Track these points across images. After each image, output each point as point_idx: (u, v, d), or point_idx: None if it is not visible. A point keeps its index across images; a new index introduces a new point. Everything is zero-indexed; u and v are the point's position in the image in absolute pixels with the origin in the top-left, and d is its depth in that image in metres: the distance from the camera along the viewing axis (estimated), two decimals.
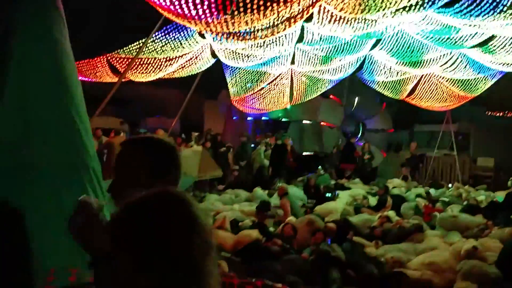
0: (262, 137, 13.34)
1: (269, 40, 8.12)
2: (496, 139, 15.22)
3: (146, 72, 9.34)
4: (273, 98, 11.60)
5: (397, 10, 6.89)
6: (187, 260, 1.03)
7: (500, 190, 10.81)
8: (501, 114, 16.86)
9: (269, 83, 11.16)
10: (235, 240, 6.20)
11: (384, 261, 5.89)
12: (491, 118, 16.49)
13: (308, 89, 11.92)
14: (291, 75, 11.35)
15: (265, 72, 10.81)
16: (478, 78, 11.58)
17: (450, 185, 12.03)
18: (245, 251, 5.82)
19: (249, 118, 16.02)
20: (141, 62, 9.19)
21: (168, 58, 9.08)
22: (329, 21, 7.53)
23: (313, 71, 10.93)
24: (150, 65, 9.18)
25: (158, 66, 9.19)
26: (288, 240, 6.49)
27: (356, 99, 16.53)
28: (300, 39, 8.73)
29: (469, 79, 11.80)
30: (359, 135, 17.07)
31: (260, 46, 8.41)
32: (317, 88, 12.26)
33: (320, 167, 12.69)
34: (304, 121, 16.38)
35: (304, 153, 15.53)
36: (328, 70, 11.04)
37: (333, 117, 16.63)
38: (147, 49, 8.58)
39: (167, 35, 8.33)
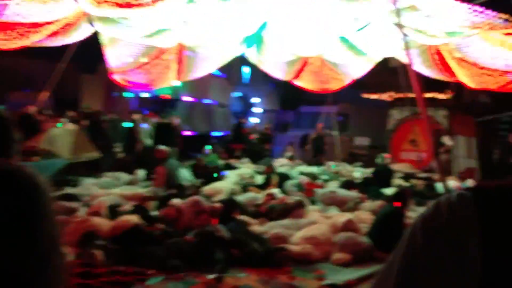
0: (144, 116, 12.57)
1: (153, 9, 7.58)
2: (370, 120, 16.53)
3: (8, 39, 8.13)
4: (159, 73, 10.96)
5: None
6: (31, 249, 0.87)
7: (373, 167, 11.75)
8: (375, 96, 18.34)
9: (153, 58, 10.52)
10: (112, 226, 5.75)
11: (268, 238, 5.97)
12: (367, 100, 17.86)
13: (196, 66, 11.53)
14: (179, 50, 10.83)
15: (150, 46, 10.16)
16: (357, 61, 12.29)
17: (330, 163, 12.74)
18: (124, 237, 5.45)
19: (132, 95, 15.10)
20: (3, 27, 7.99)
21: (35, 24, 8.00)
22: None
23: (203, 47, 10.58)
24: (14, 30, 8.01)
25: (24, 32, 8.05)
26: (171, 223, 6.25)
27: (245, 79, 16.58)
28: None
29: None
30: (248, 115, 17.23)
31: (142, 16, 7.82)
32: (207, 65, 11.95)
33: (209, 147, 12.53)
34: (194, 100, 15.97)
35: (190, 133, 15.18)
36: (218, 47, 10.81)
37: (223, 96, 16.51)
38: (9, 11, 7.46)
39: None
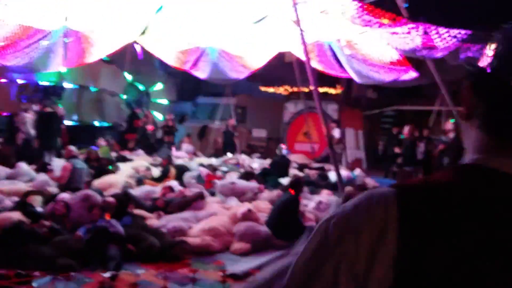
0: (24, 104, 11.35)
1: None
2: (267, 112, 16.95)
3: None
4: (41, 58, 9.92)
5: None
6: None
7: (271, 158, 12.08)
8: (272, 89, 18.87)
9: (35, 41, 9.48)
10: None
11: (166, 232, 5.78)
12: (264, 93, 18.30)
13: (85, 51, 10.69)
14: (65, 33, 9.93)
15: (29, 27, 9.13)
16: (255, 54, 12.47)
17: (229, 154, 12.80)
18: (4, 236, 4.87)
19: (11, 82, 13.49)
20: None
21: None
22: None
23: (91, 31, 9.83)
24: None
25: None
26: (60, 219, 5.73)
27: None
28: None
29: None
30: (143, 105, 16.51)
31: None
32: (97, 51, 11.15)
33: (101, 138, 11.77)
34: (83, 87, 14.76)
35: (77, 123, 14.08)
36: (109, 33, 10.14)
37: (114, 84, 15.49)
38: None
39: None
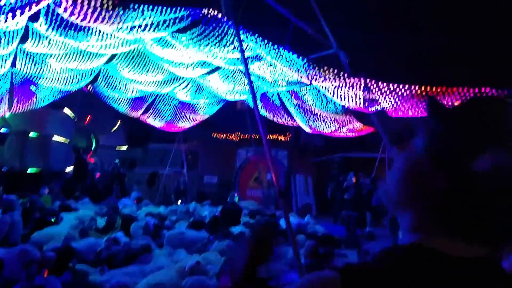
0: None
1: None
2: (219, 158, 16.98)
3: None
4: None
5: (133, 27, 6.80)
6: None
7: (222, 205, 11.96)
8: (224, 136, 19.04)
9: None
10: None
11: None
12: (216, 140, 18.39)
13: (32, 97, 10.43)
14: (11, 78, 9.69)
15: None
16: (207, 102, 12.64)
17: (179, 201, 12.58)
18: None
19: None
20: None
21: None
22: (58, 26, 6.83)
23: (38, 78, 9.64)
24: None
25: None
26: None
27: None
28: (24, 39, 7.56)
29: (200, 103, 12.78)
30: (92, 151, 16.06)
31: None
32: (45, 96, 10.90)
33: (44, 186, 11.23)
34: (26, 132, 14.18)
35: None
36: (58, 79, 9.97)
37: (62, 130, 15.02)
38: None
39: None
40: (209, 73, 10.11)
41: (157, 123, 13.56)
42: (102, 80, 11.05)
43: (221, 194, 15.11)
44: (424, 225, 0.77)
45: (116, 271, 6.16)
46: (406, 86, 5.99)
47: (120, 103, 12.46)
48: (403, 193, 0.80)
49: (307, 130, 11.16)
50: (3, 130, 13.50)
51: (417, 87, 6.02)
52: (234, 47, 7.53)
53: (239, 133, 19.22)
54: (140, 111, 12.91)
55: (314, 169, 15.91)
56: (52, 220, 8.52)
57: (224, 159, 16.85)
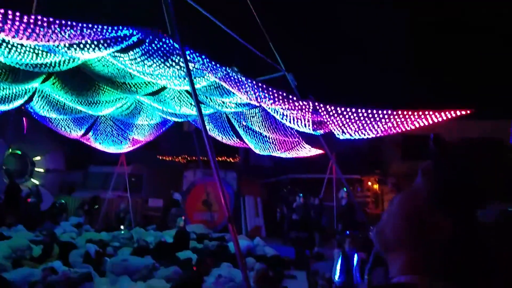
0: None
1: None
2: (165, 180, 16.54)
3: None
4: None
5: (70, 46, 6.48)
6: None
7: (167, 229, 11.59)
8: (169, 158, 18.65)
9: None
10: None
11: None
12: (161, 162, 17.95)
13: None
14: None
15: None
16: (152, 123, 12.33)
17: (122, 227, 12.02)
18: None
19: None
20: None
21: None
22: None
23: None
24: None
25: None
26: None
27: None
28: None
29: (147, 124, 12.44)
30: (27, 175, 15.08)
31: None
32: None
33: None
34: None
35: None
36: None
37: None
38: None
39: None
40: (154, 93, 9.90)
41: (98, 145, 13.04)
42: (38, 100, 10.47)
43: (166, 218, 14.65)
44: (420, 268, 0.75)
45: None
46: (353, 109, 6.15)
47: (58, 124, 11.88)
48: (402, 236, 0.78)
49: (256, 151, 11.16)
50: None
51: (363, 110, 6.20)
52: (180, 67, 7.40)
53: (186, 155, 18.95)
54: (80, 132, 12.35)
55: (263, 191, 15.91)
56: None
57: (170, 182, 16.44)
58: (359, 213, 9.80)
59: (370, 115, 6.06)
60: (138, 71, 7.78)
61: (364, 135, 6.50)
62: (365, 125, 6.27)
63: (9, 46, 6.47)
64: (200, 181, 15.16)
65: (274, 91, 6.62)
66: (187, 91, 9.64)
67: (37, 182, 14.40)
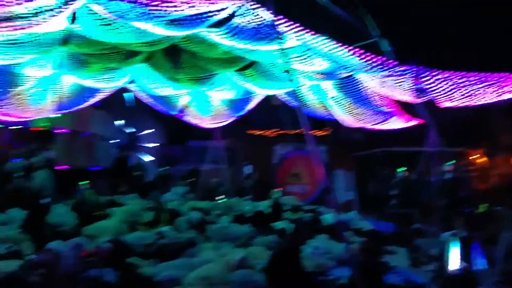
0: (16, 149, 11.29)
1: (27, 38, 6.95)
2: (256, 154, 16.98)
3: None
4: (34, 104, 10.00)
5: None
6: None
7: (262, 200, 11.99)
8: (258, 132, 19.04)
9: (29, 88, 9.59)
10: None
11: (160, 281, 5.63)
12: (253, 136, 18.43)
13: (76, 98, 10.80)
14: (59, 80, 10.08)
15: (23, 74, 9.22)
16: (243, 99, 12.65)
17: (220, 196, 12.66)
18: None
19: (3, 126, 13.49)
20: None
21: None
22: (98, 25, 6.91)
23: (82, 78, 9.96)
24: None
25: None
26: (50, 269, 5.53)
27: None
28: (65, 42, 7.76)
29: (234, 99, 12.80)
30: (134, 149, 16.51)
31: (16, 44, 7.10)
32: (88, 97, 11.27)
33: (86, 182, 11.55)
34: (74, 132, 14.84)
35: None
36: (102, 79, 10.26)
37: (105, 129, 15.62)
38: None
39: None
40: (245, 68, 10.08)
41: (195, 120, 13.73)
42: (138, 79, 11.22)
43: (259, 190, 15.10)
44: None
45: (165, 264, 6.29)
46: (461, 74, 5.74)
47: (158, 101, 12.68)
48: None
49: (348, 123, 10.95)
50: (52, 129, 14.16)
51: (474, 75, 5.75)
52: (272, 39, 7.39)
53: (275, 129, 19.14)
54: (179, 109, 13.09)
55: (354, 164, 15.65)
56: (101, 213, 8.80)
57: (260, 156, 16.85)
58: (465, 189, 9.22)
59: (483, 79, 5.57)
60: (230, 46, 7.92)
61: (473, 101, 6.04)
62: (475, 90, 5.80)
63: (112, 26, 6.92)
64: (290, 155, 15.35)
65: (372, 56, 6.40)
66: (277, 64, 9.68)
67: (143, 155, 15.68)
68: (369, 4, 8.85)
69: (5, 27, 5.48)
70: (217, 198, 12.30)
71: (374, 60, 6.52)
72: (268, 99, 13.35)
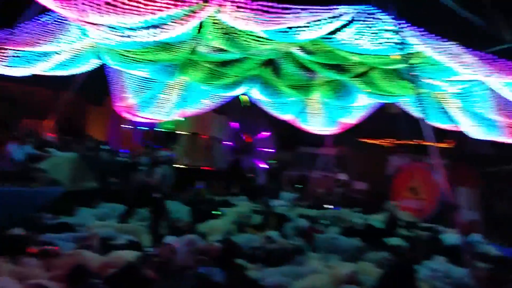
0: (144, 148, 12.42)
1: (159, 45, 7.59)
2: (368, 164, 16.36)
3: (16, 66, 8.05)
4: (163, 108, 10.97)
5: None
6: None
7: (373, 213, 11.49)
8: (372, 141, 18.30)
9: (161, 93, 10.54)
10: (103, 262, 5.41)
11: (266, 286, 5.63)
12: (364, 145, 17.78)
13: (200, 102, 11.55)
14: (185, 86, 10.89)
15: (155, 80, 10.13)
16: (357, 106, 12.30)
17: (328, 206, 12.46)
18: (115, 277, 5.09)
19: (136, 128, 15.06)
20: (10, 54, 7.92)
21: (44, 53, 7.97)
22: (224, 33, 7.25)
23: (206, 84, 10.59)
24: (23, 58, 7.95)
25: (33, 60, 8.01)
26: (166, 264, 5.90)
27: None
28: (193, 50, 8.32)
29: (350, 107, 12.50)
30: (247, 153, 17.12)
31: (149, 52, 7.81)
32: (210, 102, 11.98)
33: (201, 182, 12.26)
34: (194, 134, 16.00)
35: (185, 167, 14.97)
36: (223, 85, 10.80)
37: (222, 132, 16.55)
38: (18, 38, 7.44)
39: (42, 26, 7.27)
40: (361, 74, 9.79)
41: (306, 126, 13.73)
42: (254, 85, 11.51)
43: (371, 202, 14.51)
44: None
45: (272, 270, 6.30)
46: None
47: (272, 106, 12.92)
48: None
49: (475, 135, 9.96)
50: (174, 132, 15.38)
51: None
52: (395, 46, 7.01)
53: (390, 138, 18.25)
54: (292, 115, 13.19)
55: (480, 182, 14.16)
56: (215, 213, 9.19)
57: (374, 166, 16.18)
58: None
59: None
60: (349, 51, 7.73)
61: None
62: None
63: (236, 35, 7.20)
64: (407, 166, 14.48)
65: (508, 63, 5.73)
66: (395, 70, 9.21)
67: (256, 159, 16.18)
68: (501, 5, 7.98)
69: (139, 35, 6.02)
70: (325, 206, 12.11)
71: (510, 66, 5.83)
72: (384, 107, 12.82)
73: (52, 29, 7.19)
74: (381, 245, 7.79)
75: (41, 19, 6.99)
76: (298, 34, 6.55)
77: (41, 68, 8.44)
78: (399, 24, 6.01)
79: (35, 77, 8.75)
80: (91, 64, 8.94)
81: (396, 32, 6.19)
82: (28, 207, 7.22)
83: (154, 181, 8.08)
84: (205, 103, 11.84)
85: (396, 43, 6.34)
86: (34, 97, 14.31)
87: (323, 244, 7.78)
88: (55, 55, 8.14)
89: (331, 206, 12.22)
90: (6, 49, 7.65)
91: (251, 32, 6.82)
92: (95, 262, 5.43)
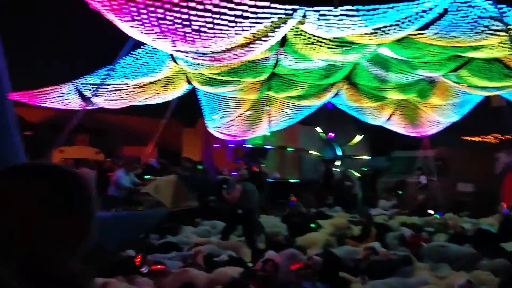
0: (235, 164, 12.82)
1: (243, 66, 7.82)
2: (474, 163, 15.13)
3: (117, 99, 8.85)
4: (251, 124, 11.25)
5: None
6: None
7: (483, 217, 10.56)
8: (476, 139, 16.92)
9: (247, 110, 10.85)
10: (209, 279, 5.60)
11: None
12: (467, 143, 16.49)
13: (287, 115, 11.65)
14: (270, 101, 11.09)
15: (241, 98, 10.44)
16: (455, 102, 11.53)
17: (432, 212, 11.70)
18: None
19: (228, 146, 15.62)
20: (112, 89, 8.74)
21: (140, 84, 8.65)
22: (305, 44, 7.23)
23: (291, 97, 10.65)
24: (122, 91, 8.73)
25: (130, 92, 8.75)
26: (269, 279, 5.94)
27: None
28: (276, 65, 8.43)
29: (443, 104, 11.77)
30: (338, 162, 16.78)
31: (234, 72, 8.07)
32: (296, 114, 12.00)
33: (293, 194, 12.21)
34: (282, 147, 16.10)
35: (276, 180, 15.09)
36: (307, 96, 10.78)
37: (310, 143, 16.40)
38: (116, 74, 8.18)
39: (137, 60, 7.91)
40: (457, 68, 9.15)
41: (401, 129, 13.15)
42: (344, 92, 11.31)
43: (479, 204, 13.36)
44: None
45: (377, 282, 6.04)
46: None
47: (362, 112, 12.57)
48: None
49: None
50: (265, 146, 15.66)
51: None
52: (495, 31, 6.43)
53: (496, 134, 16.75)
54: (383, 119, 12.73)
55: None
56: (313, 226, 9.10)
57: (480, 165, 14.90)
58: None
59: None
60: (442, 47, 7.29)
61: None
62: None
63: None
64: None
65: None
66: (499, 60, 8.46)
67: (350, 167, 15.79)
68: None
69: (228, 57, 6.25)
70: (428, 212, 11.39)
71: None
72: (487, 100, 11.87)
73: (147, 61, 7.80)
74: (496, 251, 7.09)
75: (136, 53, 7.57)
76: (389, 34, 6.32)
77: (139, 99, 9.16)
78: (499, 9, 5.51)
79: (131, 106, 9.52)
80: (183, 88, 9.45)
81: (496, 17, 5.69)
82: (137, 230, 7.77)
83: (233, 198, 8.22)
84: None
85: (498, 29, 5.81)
86: (132, 125, 15.61)
87: (431, 253, 7.30)
88: (151, 85, 8.79)
89: (432, 212, 11.45)
90: (109, 84, 8.45)
91: (337, 38, 6.73)
92: (202, 279, 5.63)
